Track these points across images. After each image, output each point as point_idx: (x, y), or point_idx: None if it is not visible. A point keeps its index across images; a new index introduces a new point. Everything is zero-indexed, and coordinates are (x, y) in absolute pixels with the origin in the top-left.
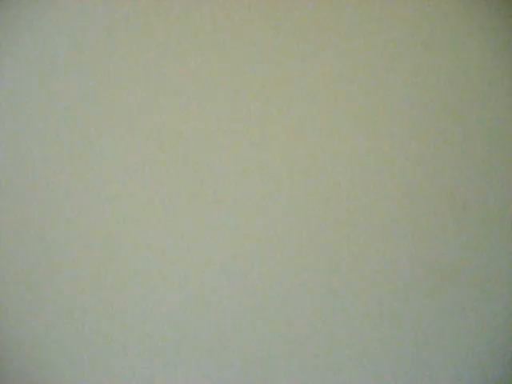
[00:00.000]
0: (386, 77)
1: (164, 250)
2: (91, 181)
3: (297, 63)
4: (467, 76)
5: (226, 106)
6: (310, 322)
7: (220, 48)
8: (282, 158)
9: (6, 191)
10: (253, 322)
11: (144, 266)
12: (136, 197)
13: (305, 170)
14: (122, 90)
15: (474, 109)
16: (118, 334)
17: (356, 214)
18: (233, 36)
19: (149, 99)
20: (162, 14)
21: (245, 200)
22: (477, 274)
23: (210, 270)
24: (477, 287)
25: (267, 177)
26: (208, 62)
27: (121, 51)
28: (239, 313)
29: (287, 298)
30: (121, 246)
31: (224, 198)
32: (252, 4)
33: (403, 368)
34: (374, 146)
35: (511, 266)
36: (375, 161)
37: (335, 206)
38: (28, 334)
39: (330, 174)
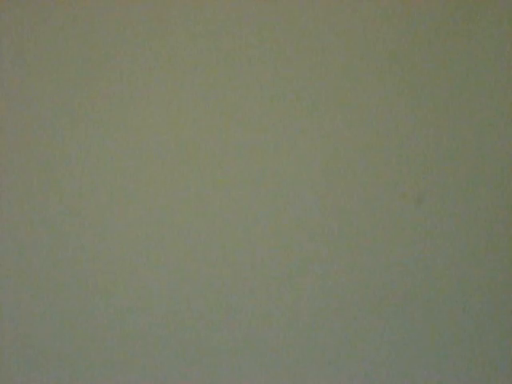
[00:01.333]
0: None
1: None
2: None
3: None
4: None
5: (226, 104)
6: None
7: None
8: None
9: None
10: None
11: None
12: (135, 196)
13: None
14: (123, 90)
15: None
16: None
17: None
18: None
19: (150, 99)
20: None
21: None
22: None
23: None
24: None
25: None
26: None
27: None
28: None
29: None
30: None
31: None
32: (250, 6)
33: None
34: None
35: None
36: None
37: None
38: (28, 333)
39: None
